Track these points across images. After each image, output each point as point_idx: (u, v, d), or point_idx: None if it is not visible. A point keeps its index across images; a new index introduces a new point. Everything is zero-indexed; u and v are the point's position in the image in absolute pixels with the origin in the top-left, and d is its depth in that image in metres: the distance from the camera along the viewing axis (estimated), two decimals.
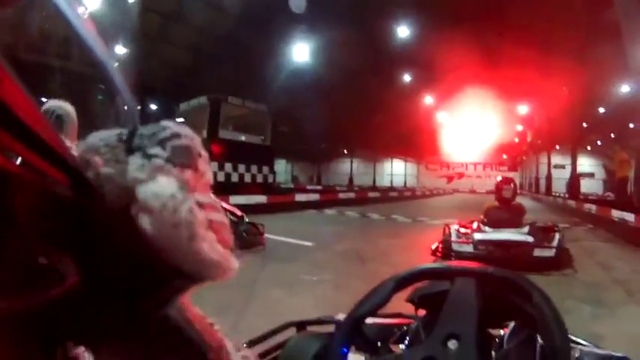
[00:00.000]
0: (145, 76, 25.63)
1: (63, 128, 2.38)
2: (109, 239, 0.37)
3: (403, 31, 29.07)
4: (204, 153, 0.41)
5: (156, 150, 0.37)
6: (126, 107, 0.67)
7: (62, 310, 0.36)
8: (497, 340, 0.86)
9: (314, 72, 28.26)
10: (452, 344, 0.67)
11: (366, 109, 37.19)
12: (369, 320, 0.88)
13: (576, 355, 0.86)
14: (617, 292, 6.27)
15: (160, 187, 0.35)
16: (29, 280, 0.35)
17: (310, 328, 1.09)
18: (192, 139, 0.40)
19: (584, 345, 1.00)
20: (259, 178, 20.38)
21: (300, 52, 27.96)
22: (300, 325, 1.09)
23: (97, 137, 0.39)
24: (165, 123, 0.40)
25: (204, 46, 30.31)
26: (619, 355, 0.91)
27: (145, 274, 0.37)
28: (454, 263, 0.83)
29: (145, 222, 0.34)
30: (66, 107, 2.49)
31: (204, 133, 18.06)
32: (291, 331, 1.06)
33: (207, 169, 0.41)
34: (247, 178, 19.72)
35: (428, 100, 44.06)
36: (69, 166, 0.37)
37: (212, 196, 0.41)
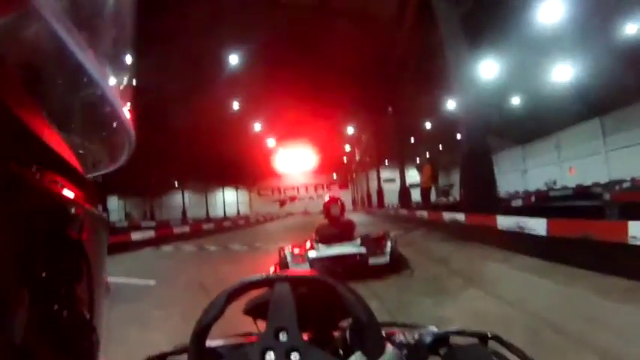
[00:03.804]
0: None
1: None
2: None
3: (233, 59, 28.97)
4: None
5: None
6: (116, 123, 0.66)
7: None
8: (340, 337, 0.98)
9: (136, 99, 26.13)
10: (282, 336, 0.79)
11: (194, 139, 36.20)
12: (220, 342, 1.02)
13: (415, 336, 1.00)
14: (455, 281, 6.75)
15: None
16: None
17: (170, 359, 1.12)
18: None
19: (424, 327, 1.18)
20: None
21: None
22: (161, 358, 1.11)
23: None
24: None
25: None
26: (455, 329, 1.05)
27: None
28: (272, 273, 0.92)
29: None
30: None
31: None
32: None
33: None
34: None
35: (256, 127, 44.47)
36: (75, 173, 0.44)
37: None
